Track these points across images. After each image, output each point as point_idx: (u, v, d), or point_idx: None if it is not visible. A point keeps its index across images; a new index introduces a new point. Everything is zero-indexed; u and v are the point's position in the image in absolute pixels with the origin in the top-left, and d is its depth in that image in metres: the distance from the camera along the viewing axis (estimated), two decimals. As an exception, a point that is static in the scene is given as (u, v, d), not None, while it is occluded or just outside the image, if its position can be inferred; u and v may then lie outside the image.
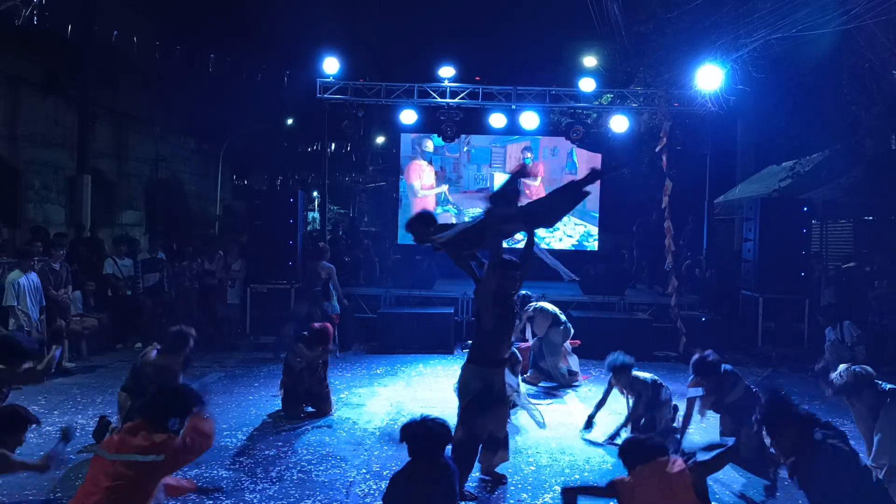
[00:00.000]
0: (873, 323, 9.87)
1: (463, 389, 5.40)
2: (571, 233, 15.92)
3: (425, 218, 6.09)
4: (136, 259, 11.15)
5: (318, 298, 10.41)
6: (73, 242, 11.96)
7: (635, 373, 6.48)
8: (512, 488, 5.44)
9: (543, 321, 8.91)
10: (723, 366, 6.04)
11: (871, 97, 11.52)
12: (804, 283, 11.02)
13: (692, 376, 6.05)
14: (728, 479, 5.67)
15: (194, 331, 6.28)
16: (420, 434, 3.79)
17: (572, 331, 9.06)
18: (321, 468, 5.76)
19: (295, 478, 5.54)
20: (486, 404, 5.16)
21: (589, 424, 6.72)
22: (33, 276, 8.65)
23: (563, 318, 9.02)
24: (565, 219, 16.05)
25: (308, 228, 17.56)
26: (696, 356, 6.07)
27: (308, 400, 7.39)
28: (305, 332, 7.48)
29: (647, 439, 3.96)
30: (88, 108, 14.52)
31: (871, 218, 13.30)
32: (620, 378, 6.52)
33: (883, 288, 10.32)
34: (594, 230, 15.91)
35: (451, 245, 5.83)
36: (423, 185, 16.17)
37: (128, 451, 3.80)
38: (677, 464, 3.71)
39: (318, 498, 5.15)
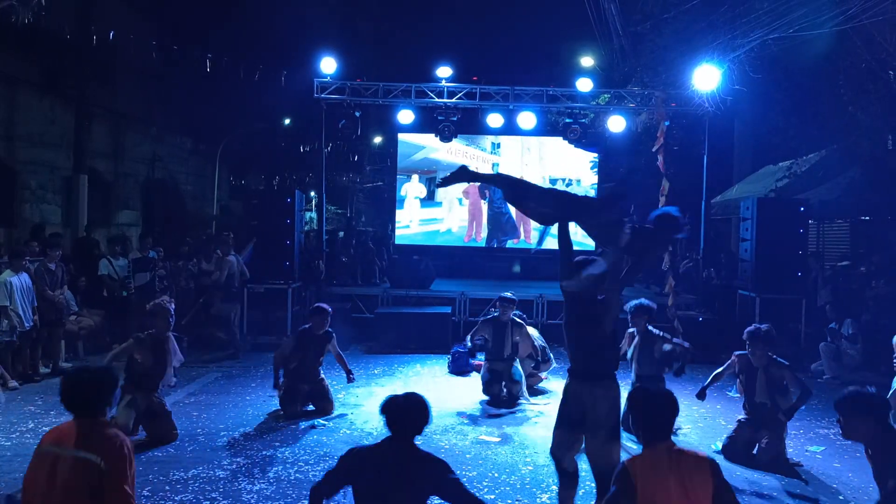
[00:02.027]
0: (869, 322, 9.89)
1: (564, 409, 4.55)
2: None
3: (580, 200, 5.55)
4: (129, 258, 11.14)
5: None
6: (73, 243, 11.95)
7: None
8: (508, 488, 5.44)
9: (525, 345, 8.82)
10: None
11: (868, 97, 11.54)
12: (801, 283, 11.04)
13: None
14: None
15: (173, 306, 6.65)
16: (398, 407, 3.47)
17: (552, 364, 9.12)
18: (318, 468, 5.75)
19: (292, 478, 5.53)
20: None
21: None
22: (25, 277, 8.62)
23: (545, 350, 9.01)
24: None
25: (305, 229, 17.56)
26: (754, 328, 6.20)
27: (308, 398, 7.39)
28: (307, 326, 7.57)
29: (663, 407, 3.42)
30: (85, 108, 14.50)
31: (867, 218, 13.33)
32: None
33: (880, 287, 10.34)
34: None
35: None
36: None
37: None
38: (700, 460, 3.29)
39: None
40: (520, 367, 8.24)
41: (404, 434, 3.43)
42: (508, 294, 8.41)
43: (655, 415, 3.36)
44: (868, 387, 4.00)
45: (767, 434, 6.01)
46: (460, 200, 16.47)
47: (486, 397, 8.15)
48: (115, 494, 3.16)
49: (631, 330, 7.29)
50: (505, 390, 8.12)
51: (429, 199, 16.53)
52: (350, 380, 7.62)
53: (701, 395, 6.42)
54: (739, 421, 6.30)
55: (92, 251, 11.87)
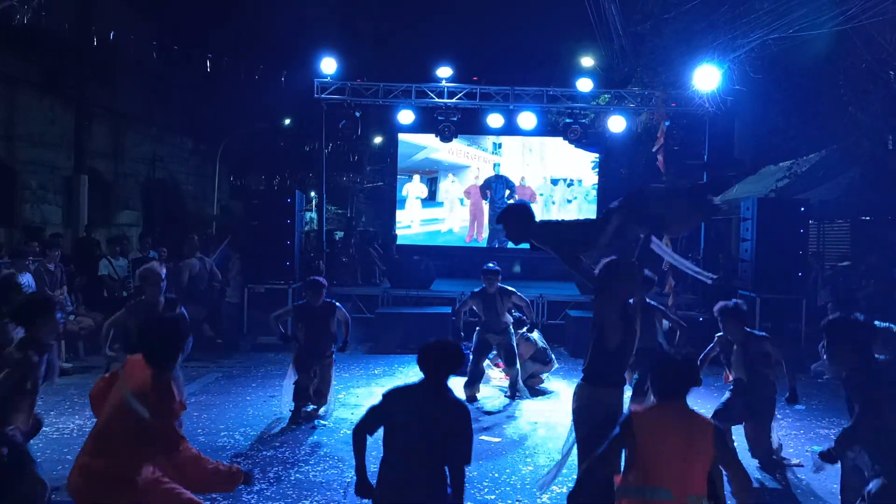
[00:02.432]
0: None
1: (582, 417, 4.38)
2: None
3: (523, 213, 5.00)
4: (129, 258, 11.14)
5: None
6: (73, 243, 11.95)
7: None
8: (508, 489, 5.44)
9: (527, 349, 8.84)
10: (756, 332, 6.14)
11: (868, 97, 11.55)
12: (801, 283, 11.03)
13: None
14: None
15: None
16: (431, 350, 3.70)
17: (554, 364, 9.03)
18: (319, 469, 5.76)
19: (293, 478, 5.53)
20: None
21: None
22: (28, 277, 8.62)
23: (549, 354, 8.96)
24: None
25: (306, 229, 17.55)
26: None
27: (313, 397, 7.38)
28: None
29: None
30: (85, 108, 14.50)
31: (867, 218, 13.32)
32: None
33: (870, 287, 10.36)
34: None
35: (563, 243, 4.86)
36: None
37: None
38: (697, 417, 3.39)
39: (316, 498, 5.15)
40: (516, 346, 8.23)
41: (436, 376, 3.65)
42: (491, 265, 8.27)
43: (673, 377, 3.42)
44: (857, 314, 4.04)
45: (752, 423, 5.89)
46: (461, 201, 16.50)
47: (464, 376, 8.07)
48: (161, 439, 3.62)
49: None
50: (492, 360, 8.29)
51: (430, 200, 16.57)
52: (342, 349, 7.47)
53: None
54: (730, 396, 6.05)
55: (92, 251, 11.87)
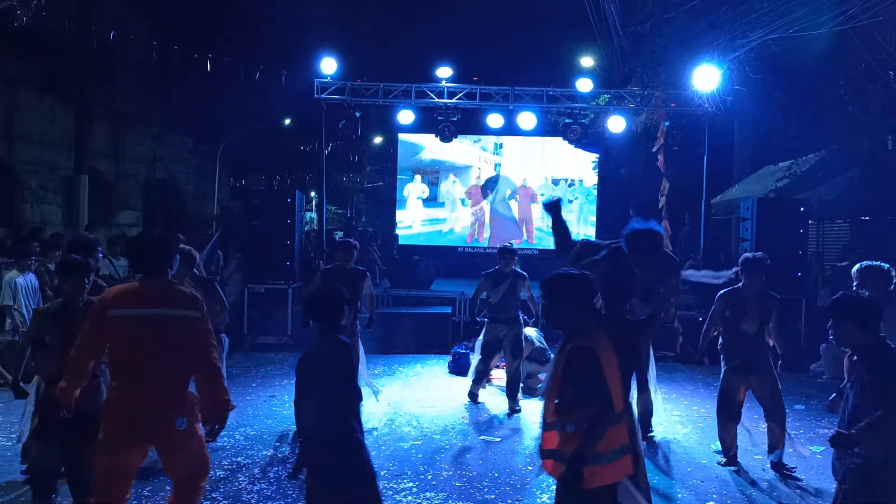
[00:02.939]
0: None
1: None
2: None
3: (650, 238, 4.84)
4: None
5: None
6: (69, 243, 11.94)
7: None
8: (508, 489, 5.44)
9: (526, 348, 8.82)
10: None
11: (868, 97, 11.54)
12: (801, 283, 11.03)
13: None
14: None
15: None
16: (319, 298, 3.96)
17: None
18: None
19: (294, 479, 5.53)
20: None
21: None
22: (31, 277, 8.62)
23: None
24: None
25: (306, 229, 17.57)
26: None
27: None
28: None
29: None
30: (85, 108, 14.51)
31: (867, 218, 13.32)
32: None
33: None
34: (591, 231, 15.96)
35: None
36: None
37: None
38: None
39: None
40: (524, 342, 7.90)
41: (326, 326, 3.85)
42: (509, 243, 7.91)
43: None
44: (863, 292, 4.09)
45: (756, 376, 5.86)
46: (463, 201, 16.50)
47: (470, 376, 7.97)
48: (209, 339, 3.80)
49: (518, 272, 7.86)
50: (503, 361, 7.78)
51: (431, 200, 16.57)
52: (368, 325, 7.49)
53: (700, 361, 6.53)
54: (725, 371, 6.03)
55: (90, 251, 11.85)
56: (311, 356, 3.84)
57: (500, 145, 16.36)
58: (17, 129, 13.93)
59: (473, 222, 16.44)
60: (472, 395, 7.95)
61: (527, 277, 7.86)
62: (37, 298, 8.67)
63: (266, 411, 7.48)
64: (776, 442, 5.87)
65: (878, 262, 5.09)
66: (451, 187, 16.52)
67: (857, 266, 5.15)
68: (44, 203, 14.71)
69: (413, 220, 16.48)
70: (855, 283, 5.06)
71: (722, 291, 6.07)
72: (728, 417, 6.00)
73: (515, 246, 15.50)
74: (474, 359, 8.05)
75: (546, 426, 3.50)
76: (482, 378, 8.02)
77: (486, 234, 16.42)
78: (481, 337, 7.82)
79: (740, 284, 5.95)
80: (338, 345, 3.86)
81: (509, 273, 7.68)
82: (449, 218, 16.50)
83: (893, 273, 4.99)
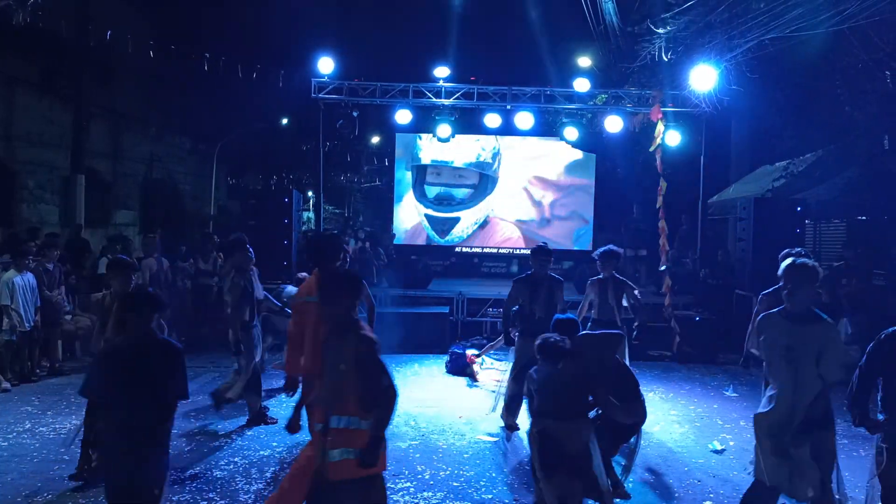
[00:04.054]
0: (865, 321, 9.91)
1: None
2: (560, 230, 15.96)
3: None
4: (131, 258, 11.13)
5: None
6: (66, 243, 11.95)
7: None
8: (505, 488, 5.45)
9: None
10: None
11: (865, 97, 11.56)
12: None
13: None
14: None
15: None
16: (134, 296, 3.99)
17: None
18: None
19: (289, 478, 5.54)
20: None
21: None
22: (29, 276, 8.62)
23: None
24: (556, 219, 16.16)
25: (303, 228, 17.56)
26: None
27: None
28: None
29: None
30: (83, 108, 14.51)
31: (864, 218, 13.34)
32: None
33: (852, 286, 10.40)
34: (584, 228, 15.98)
35: None
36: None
37: None
38: None
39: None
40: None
41: (137, 321, 3.81)
42: (543, 243, 7.08)
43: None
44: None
45: None
46: (462, 201, 16.48)
47: (496, 402, 7.26)
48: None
49: (598, 276, 7.26)
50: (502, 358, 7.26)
51: (430, 200, 16.55)
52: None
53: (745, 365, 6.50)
54: None
55: (82, 252, 11.86)
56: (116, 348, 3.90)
57: (498, 149, 16.34)
58: (16, 128, 13.93)
59: (473, 222, 16.45)
60: (511, 427, 6.81)
61: (563, 283, 7.05)
62: (34, 298, 8.66)
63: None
64: None
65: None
66: (451, 187, 16.51)
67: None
68: (41, 203, 14.70)
69: (412, 220, 16.48)
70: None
71: (765, 292, 6.07)
72: None
73: (515, 249, 15.31)
74: (504, 384, 7.04)
75: (338, 425, 3.50)
76: (518, 405, 6.74)
77: (485, 235, 16.43)
78: (513, 355, 6.86)
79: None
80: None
81: (545, 277, 6.80)
82: (448, 218, 16.51)
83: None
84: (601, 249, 7.17)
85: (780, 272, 4.17)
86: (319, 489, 3.58)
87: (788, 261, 4.16)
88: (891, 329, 4.06)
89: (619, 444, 5.20)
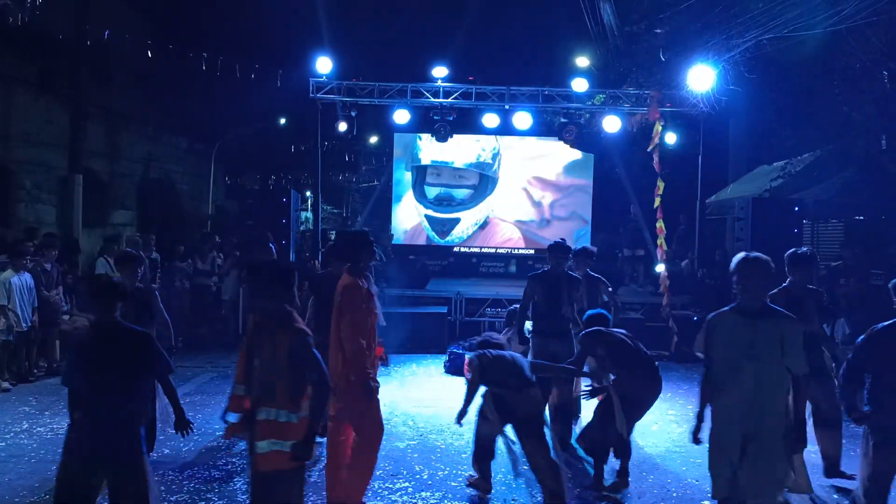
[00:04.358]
0: (862, 321, 9.92)
1: None
2: (559, 230, 15.98)
3: None
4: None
5: None
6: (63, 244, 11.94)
7: None
8: (504, 488, 5.45)
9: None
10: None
11: (863, 97, 11.58)
12: (795, 282, 11.04)
13: None
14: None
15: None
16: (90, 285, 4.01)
17: None
18: (313, 469, 5.76)
19: (288, 478, 5.53)
20: None
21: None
22: (26, 277, 8.61)
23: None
24: (556, 220, 16.17)
25: (301, 228, 17.54)
26: None
27: None
28: None
29: None
30: (81, 108, 14.47)
31: (861, 218, 13.36)
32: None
33: (850, 286, 10.41)
34: (584, 229, 15.98)
35: None
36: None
37: None
38: None
39: (311, 498, 5.15)
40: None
41: (101, 314, 3.81)
42: (560, 240, 6.71)
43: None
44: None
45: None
46: (461, 202, 16.45)
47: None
48: None
49: (573, 275, 6.89)
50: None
51: (429, 200, 16.52)
52: None
53: None
54: None
55: (72, 253, 11.84)
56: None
57: (498, 150, 16.32)
58: (13, 128, 13.88)
59: (473, 223, 16.42)
60: (563, 442, 6.16)
61: (581, 281, 6.82)
62: (32, 298, 8.65)
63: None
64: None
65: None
66: (451, 188, 16.48)
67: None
68: (38, 203, 14.65)
69: (411, 221, 16.45)
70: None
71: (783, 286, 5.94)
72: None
73: (513, 249, 15.24)
74: None
75: (267, 417, 3.54)
76: (567, 415, 6.41)
77: (486, 235, 16.41)
78: (530, 357, 6.48)
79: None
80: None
81: (562, 275, 6.55)
82: (448, 219, 16.48)
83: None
84: (575, 248, 7.00)
85: (731, 267, 4.04)
86: (251, 479, 3.69)
87: (740, 255, 4.04)
88: (880, 325, 4.17)
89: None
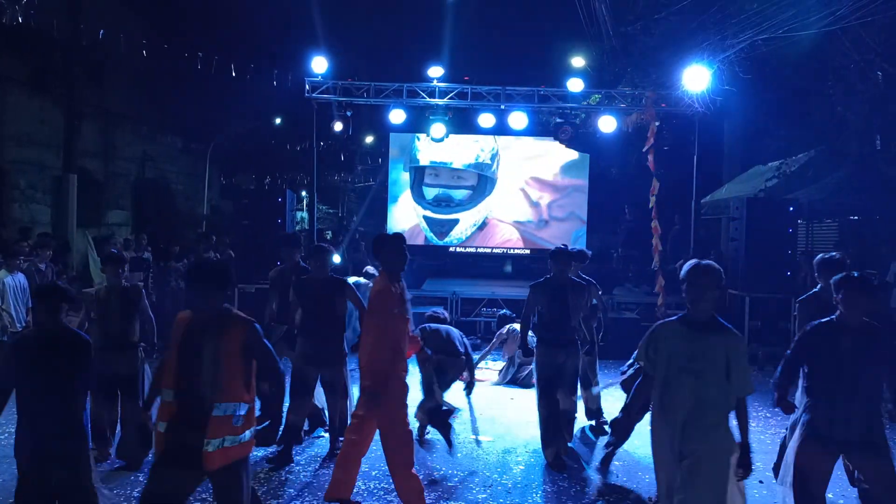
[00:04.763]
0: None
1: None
2: (558, 231, 15.97)
3: None
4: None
5: None
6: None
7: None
8: (500, 488, 5.45)
9: (513, 343, 8.90)
10: None
11: (857, 98, 11.62)
12: (790, 282, 11.10)
13: None
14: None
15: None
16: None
17: None
18: (309, 469, 5.76)
19: (283, 478, 5.53)
20: None
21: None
22: (20, 277, 8.57)
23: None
24: (554, 220, 16.18)
25: (297, 228, 17.52)
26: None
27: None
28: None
29: None
30: (75, 107, 14.43)
31: (856, 218, 13.41)
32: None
33: None
34: (582, 230, 15.98)
35: None
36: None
37: None
38: None
39: (307, 498, 5.15)
40: (579, 366, 6.35)
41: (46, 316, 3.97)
42: (562, 245, 6.40)
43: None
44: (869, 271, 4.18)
45: None
46: (461, 202, 16.43)
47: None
48: None
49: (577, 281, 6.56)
50: (578, 398, 6.40)
51: (427, 201, 16.49)
52: (355, 348, 5.52)
53: None
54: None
55: (64, 253, 11.82)
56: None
57: (496, 150, 16.31)
58: (7, 128, 13.85)
59: (472, 224, 16.40)
60: (558, 465, 5.89)
61: (586, 287, 6.44)
62: (25, 298, 8.61)
63: (257, 411, 7.44)
64: None
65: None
66: (449, 189, 16.47)
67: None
68: (32, 202, 14.62)
69: (409, 222, 16.43)
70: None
71: (802, 299, 5.56)
72: None
73: (509, 249, 15.17)
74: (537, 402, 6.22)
75: (222, 413, 3.54)
76: (555, 428, 6.07)
77: (484, 236, 16.40)
78: (534, 369, 6.29)
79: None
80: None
81: (566, 283, 6.14)
82: (447, 220, 16.46)
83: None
84: (552, 248, 6.53)
85: (681, 274, 3.79)
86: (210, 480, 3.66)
87: (691, 262, 3.79)
88: (817, 321, 4.14)
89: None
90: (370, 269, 8.71)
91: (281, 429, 6.05)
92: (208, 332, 3.60)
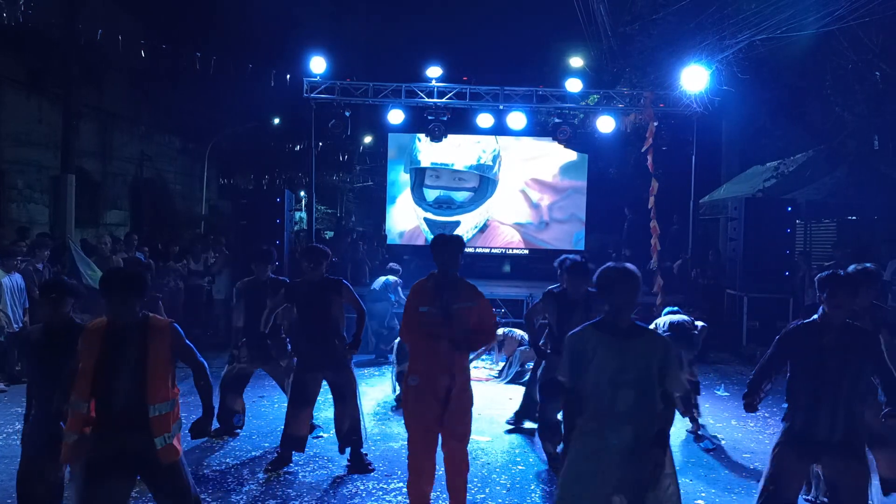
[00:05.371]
0: None
1: None
2: (558, 233, 15.97)
3: None
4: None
5: None
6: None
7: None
8: (499, 488, 5.45)
9: (511, 344, 9.01)
10: None
11: (855, 98, 11.64)
12: (788, 282, 11.11)
13: None
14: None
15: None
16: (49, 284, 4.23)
17: None
18: (308, 468, 5.75)
19: (281, 478, 5.53)
20: None
21: None
22: (17, 277, 8.56)
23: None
24: (555, 222, 16.19)
25: (295, 228, 17.51)
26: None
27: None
28: None
29: None
30: (73, 107, 14.36)
31: (854, 218, 13.43)
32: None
33: None
34: (580, 230, 15.99)
35: None
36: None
37: None
38: None
39: (305, 499, 5.15)
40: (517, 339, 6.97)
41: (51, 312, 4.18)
42: (577, 257, 5.81)
43: None
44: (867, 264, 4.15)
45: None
46: (460, 203, 16.42)
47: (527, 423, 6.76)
48: None
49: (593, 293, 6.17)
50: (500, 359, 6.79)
51: (427, 201, 16.48)
52: (352, 347, 5.90)
53: None
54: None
55: (60, 253, 11.79)
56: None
57: (498, 151, 16.29)
58: (4, 128, 13.84)
59: (473, 226, 16.38)
60: (558, 465, 5.43)
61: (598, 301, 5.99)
62: (23, 299, 8.60)
63: (255, 412, 7.43)
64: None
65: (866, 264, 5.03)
66: (450, 190, 16.45)
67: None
68: (30, 202, 14.61)
69: (409, 223, 16.41)
70: None
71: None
72: None
73: (507, 249, 15.09)
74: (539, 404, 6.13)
75: (158, 413, 3.71)
76: (556, 431, 5.79)
77: (485, 238, 16.39)
78: (539, 373, 6.17)
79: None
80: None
81: (580, 300, 5.62)
82: (448, 222, 16.44)
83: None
84: (568, 261, 6.42)
85: (595, 279, 3.56)
86: (152, 476, 3.79)
87: (606, 265, 3.56)
88: (796, 322, 4.15)
89: None
90: (394, 264, 9.50)
91: (214, 419, 5.80)
92: (130, 339, 3.63)
